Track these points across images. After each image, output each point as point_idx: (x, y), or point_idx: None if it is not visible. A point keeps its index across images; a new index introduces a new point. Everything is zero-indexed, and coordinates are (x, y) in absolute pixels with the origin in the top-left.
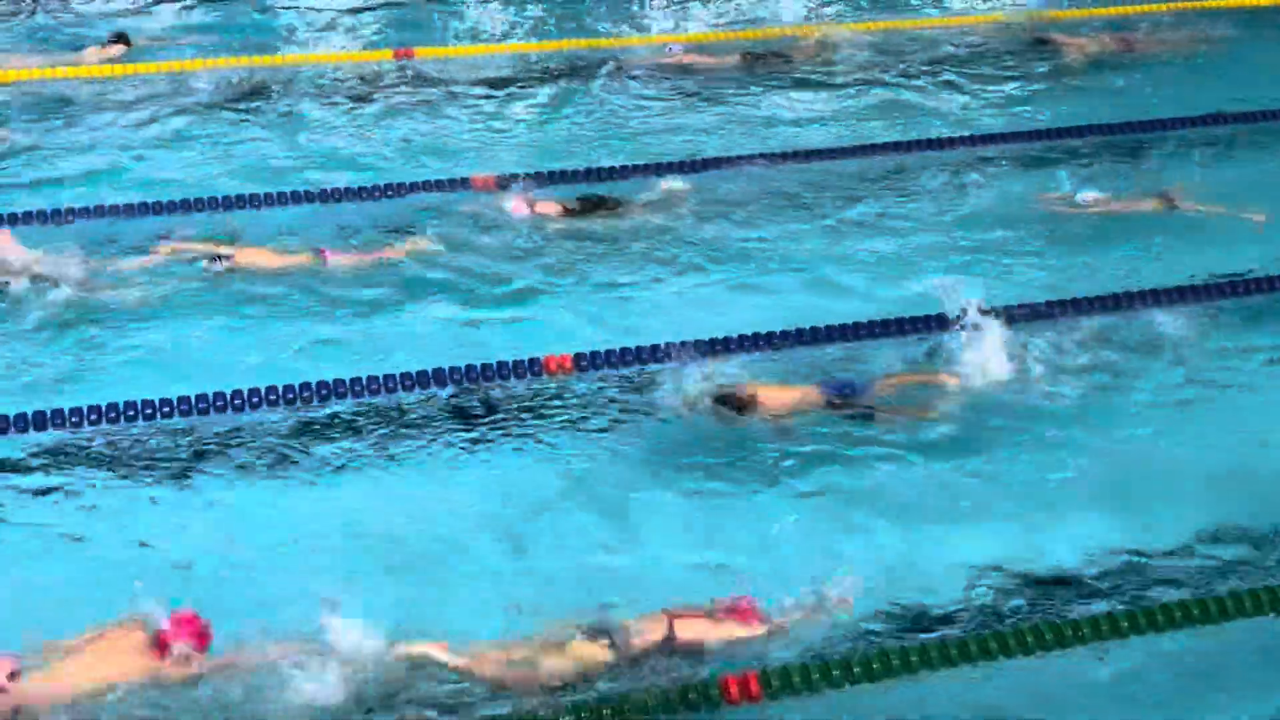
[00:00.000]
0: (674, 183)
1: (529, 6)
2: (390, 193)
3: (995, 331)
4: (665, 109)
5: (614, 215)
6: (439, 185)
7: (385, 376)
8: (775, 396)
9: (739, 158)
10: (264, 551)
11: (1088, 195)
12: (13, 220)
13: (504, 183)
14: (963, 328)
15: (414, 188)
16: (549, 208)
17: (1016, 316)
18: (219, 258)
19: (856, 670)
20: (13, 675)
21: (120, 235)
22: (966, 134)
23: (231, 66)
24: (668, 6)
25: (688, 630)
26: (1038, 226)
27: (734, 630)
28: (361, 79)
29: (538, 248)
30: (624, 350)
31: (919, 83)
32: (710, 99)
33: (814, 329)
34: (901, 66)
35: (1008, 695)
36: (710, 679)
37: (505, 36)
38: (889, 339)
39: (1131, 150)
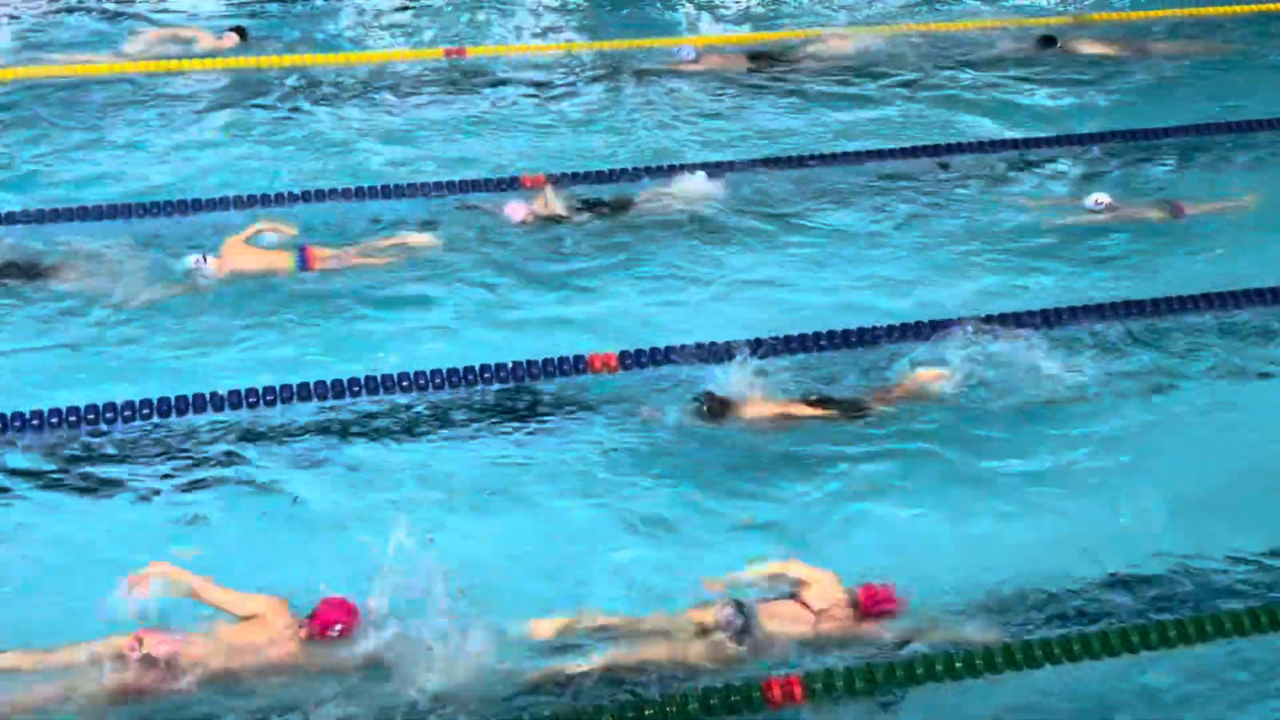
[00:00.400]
0: (702, 184)
1: (580, 6)
2: (435, 191)
3: (1004, 339)
4: (708, 109)
5: (625, 216)
6: (485, 185)
7: (432, 372)
8: (759, 403)
9: (774, 159)
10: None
11: (1102, 198)
12: (55, 216)
13: (554, 180)
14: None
15: (463, 187)
16: (549, 210)
17: (1037, 322)
18: (204, 257)
19: (899, 674)
20: (169, 662)
21: (166, 230)
22: (978, 140)
23: (285, 65)
24: (713, 7)
25: (824, 617)
26: (1052, 231)
27: (871, 618)
28: (412, 77)
29: (569, 248)
30: (669, 349)
31: (929, 90)
32: (747, 100)
33: (846, 331)
34: (911, 72)
35: (1050, 701)
36: (753, 681)
37: (557, 35)
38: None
39: (1144, 156)
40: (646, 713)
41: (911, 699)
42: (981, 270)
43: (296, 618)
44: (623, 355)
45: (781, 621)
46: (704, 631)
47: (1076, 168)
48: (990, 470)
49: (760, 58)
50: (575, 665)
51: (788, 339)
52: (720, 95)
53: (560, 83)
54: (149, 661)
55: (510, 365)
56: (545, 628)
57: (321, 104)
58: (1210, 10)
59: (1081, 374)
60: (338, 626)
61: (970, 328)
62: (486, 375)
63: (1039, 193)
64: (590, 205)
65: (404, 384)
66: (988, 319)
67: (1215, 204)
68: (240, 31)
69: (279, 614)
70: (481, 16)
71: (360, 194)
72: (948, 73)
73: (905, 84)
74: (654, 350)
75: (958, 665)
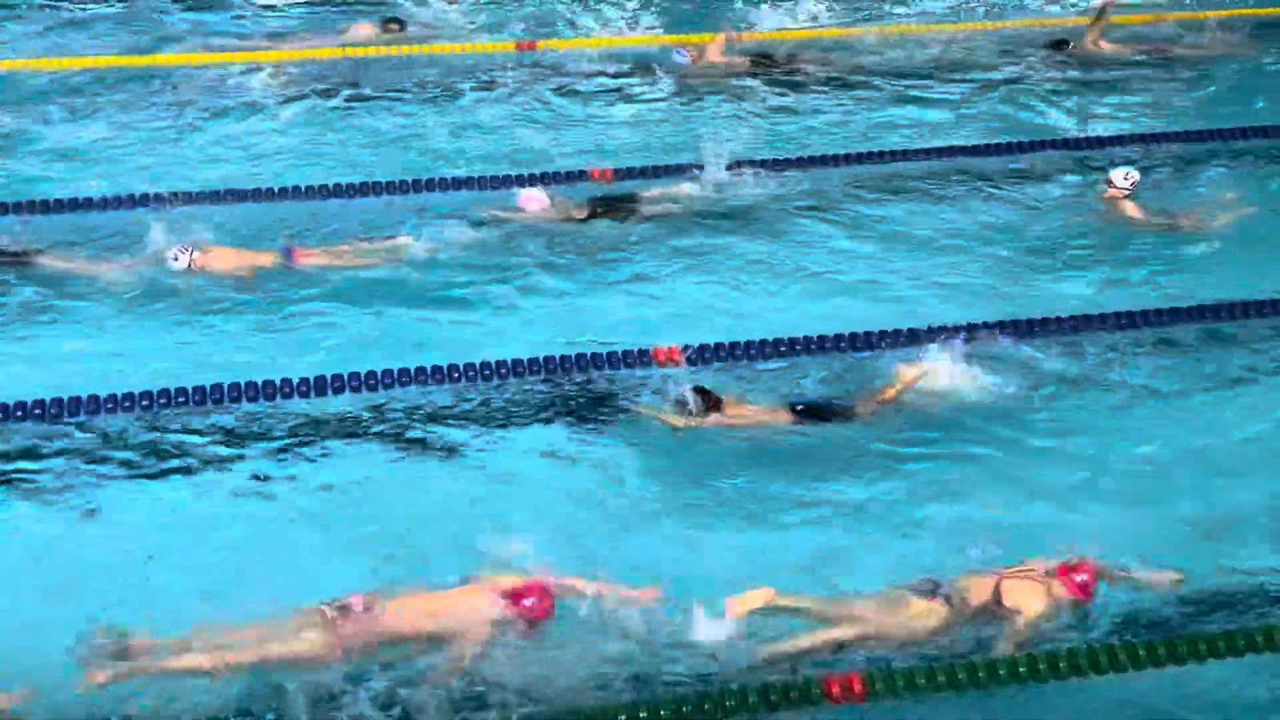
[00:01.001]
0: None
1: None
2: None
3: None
4: (765, 106)
5: (631, 217)
6: (557, 178)
7: (498, 363)
8: (744, 406)
9: (827, 158)
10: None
11: (1133, 174)
12: (144, 202)
13: (621, 175)
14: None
15: (530, 180)
16: (562, 207)
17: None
18: (189, 250)
19: (960, 675)
20: (368, 607)
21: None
22: (989, 143)
23: (353, 56)
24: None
25: (1015, 593)
26: (1065, 234)
27: (1063, 596)
28: (484, 69)
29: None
30: (733, 344)
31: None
32: (804, 98)
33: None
34: (924, 72)
35: (1104, 706)
36: (811, 678)
37: (630, 29)
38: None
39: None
40: (706, 706)
41: (972, 700)
42: (988, 275)
43: (497, 594)
44: (685, 348)
45: (971, 594)
46: (911, 610)
47: (1086, 170)
48: (1020, 470)
49: (763, 58)
50: (779, 644)
51: (779, 341)
52: (802, 90)
53: (628, 78)
54: (352, 625)
55: (574, 357)
56: (740, 608)
57: (389, 96)
58: (1233, 12)
59: (1089, 381)
60: (531, 600)
61: (975, 334)
62: (551, 367)
63: (1052, 195)
64: (605, 203)
65: (470, 375)
66: (998, 324)
67: (1221, 213)
68: (399, 23)
69: (481, 588)
70: (555, 10)
71: (411, 187)
72: (957, 74)
73: (917, 85)
74: (718, 345)
75: (1021, 669)
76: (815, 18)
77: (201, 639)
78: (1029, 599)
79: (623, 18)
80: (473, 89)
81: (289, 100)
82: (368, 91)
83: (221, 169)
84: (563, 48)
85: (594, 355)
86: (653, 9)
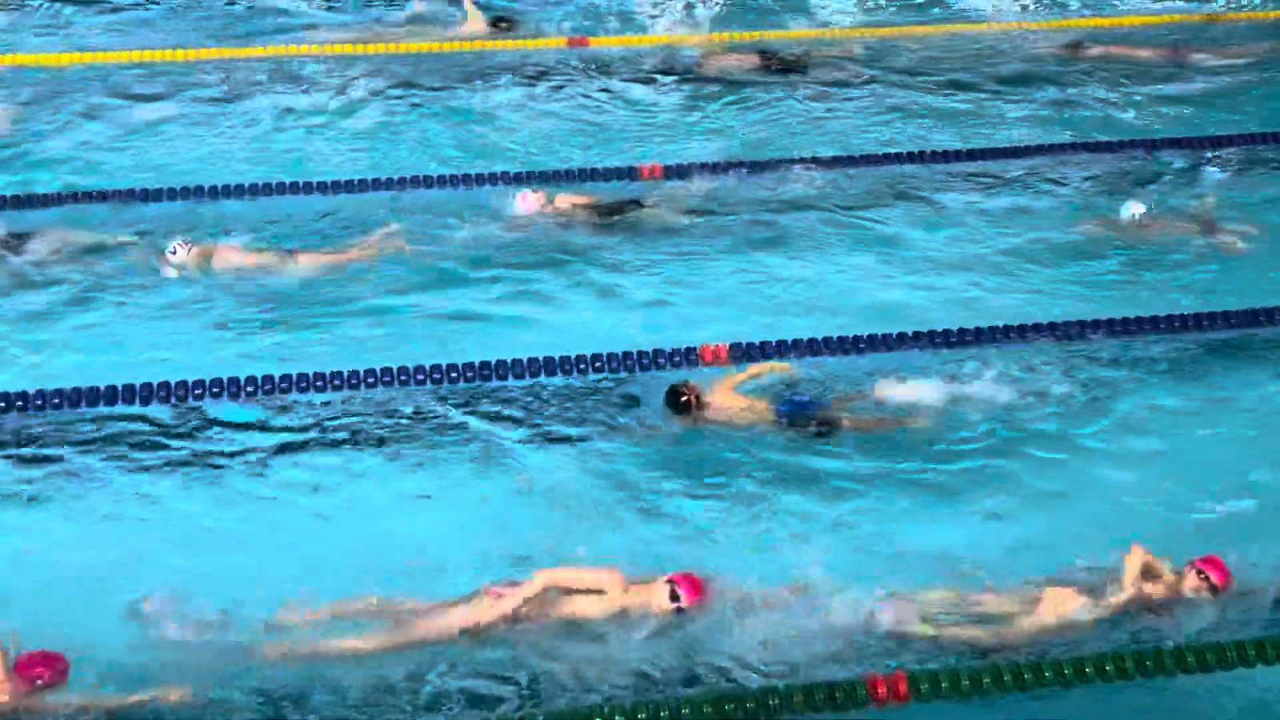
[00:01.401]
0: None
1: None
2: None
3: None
4: (818, 103)
5: (636, 217)
6: (605, 175)
7: (545, 359)
8: (726, 405)
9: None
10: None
11: (1139, 207)
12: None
13: (671, 173)
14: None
15: (582, 175)
16: (564, 205)
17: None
18: (187, 247)
19: (1006, 678)
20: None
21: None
22: (1004, 146)
23: (403, 52)
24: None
25: (1151, 585)
26: (1079, 246)
27: (1198, 588)
28: (535, 65)
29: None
30: (780, 343)
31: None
32: (821, 97)
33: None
34: (942, 74)
35: (1152, 709)
36: (857, 679)
37: (684, 27)
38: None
39: (1176, 168)
40: (748, 705)
41: (1018, 703)
42: (1001, 284)
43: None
44: (733, 347)
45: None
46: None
47: (1112, 178)
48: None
49: (771, 57)
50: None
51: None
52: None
53: (697, 74)
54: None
55: (621, 355)
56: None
57: (441, 91)
58: (1258, 15)
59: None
60: (688, 583)
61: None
62: (599, 365)
63: (1074, 206)
64: (611, 203)
65: (500, 372)
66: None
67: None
68: (508, 22)
69: (619, 579)
70: (607, 7)
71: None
72: (972, 75)
73: (932, 86)
74: (764, 344)
75: (1066, 672)
76: (849, 14)
77: (365, 616)
78: (1163, 588)
79: (675, 15)
80: (523, 85)
81: (338, 96)
82: (422, 86)
83: (265, 163)
84: (616, 45)
85: (639, 353)
86: (707, 6)
